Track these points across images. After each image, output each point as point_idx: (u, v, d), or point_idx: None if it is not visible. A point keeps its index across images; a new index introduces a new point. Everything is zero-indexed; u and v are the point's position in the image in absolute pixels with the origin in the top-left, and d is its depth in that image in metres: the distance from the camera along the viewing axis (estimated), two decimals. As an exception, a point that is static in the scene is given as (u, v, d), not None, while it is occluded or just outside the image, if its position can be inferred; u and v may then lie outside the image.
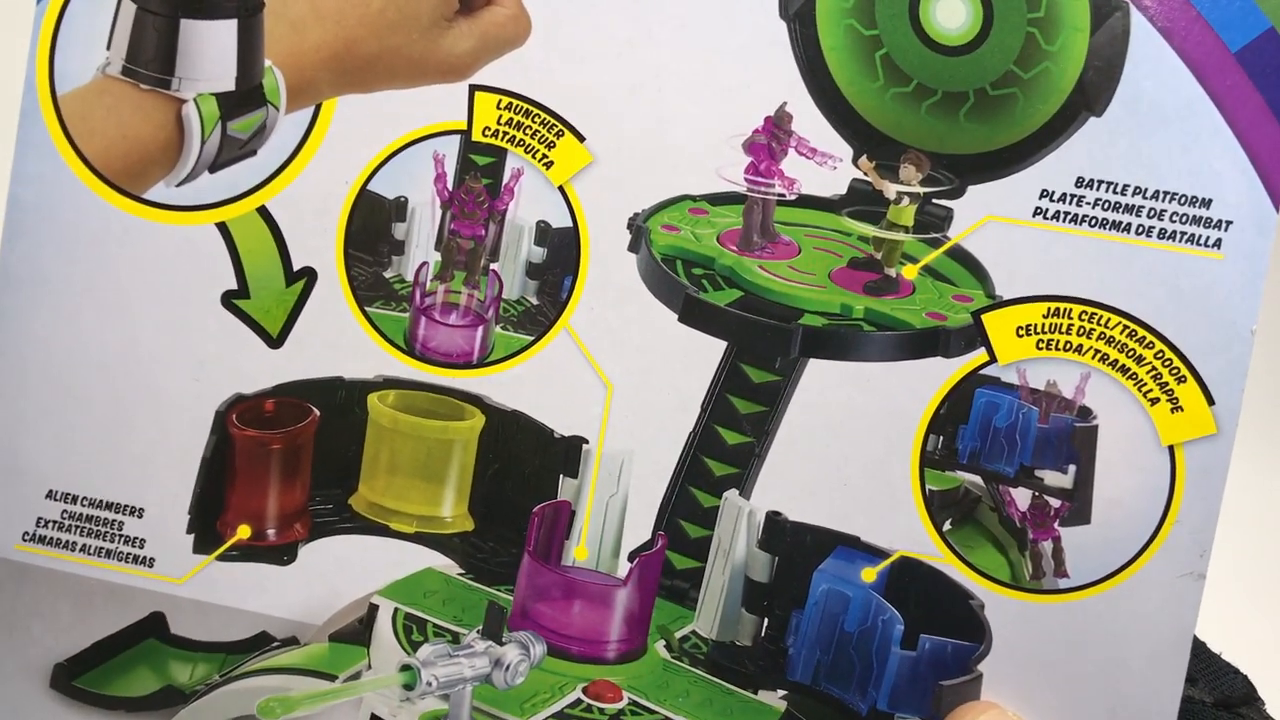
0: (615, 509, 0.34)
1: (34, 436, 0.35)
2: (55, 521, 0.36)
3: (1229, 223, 0.32)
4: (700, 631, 0.35)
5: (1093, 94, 0.33)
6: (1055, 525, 0.33)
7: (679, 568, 0.35)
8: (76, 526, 0.36)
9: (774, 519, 0.34)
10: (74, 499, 0.35)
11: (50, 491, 0.36)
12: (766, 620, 0.34)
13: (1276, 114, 0.32)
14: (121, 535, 0.35)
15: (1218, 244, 0.32)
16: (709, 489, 0.34)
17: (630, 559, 0.34)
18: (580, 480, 0.34)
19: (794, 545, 0.33)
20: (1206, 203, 0.32)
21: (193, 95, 0.34)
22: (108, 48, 0.34)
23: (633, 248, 0.34)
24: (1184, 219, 0.32)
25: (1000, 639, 0.33)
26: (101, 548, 0.35)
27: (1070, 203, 0.33)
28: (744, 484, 0.34)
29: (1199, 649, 0.35)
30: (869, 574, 0.33)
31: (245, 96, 0.34)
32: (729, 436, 0.34)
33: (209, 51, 0.34)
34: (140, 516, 0.35)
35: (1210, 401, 0.32)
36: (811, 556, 0.33)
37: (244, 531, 0.35)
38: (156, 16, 0.34)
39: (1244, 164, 0.32)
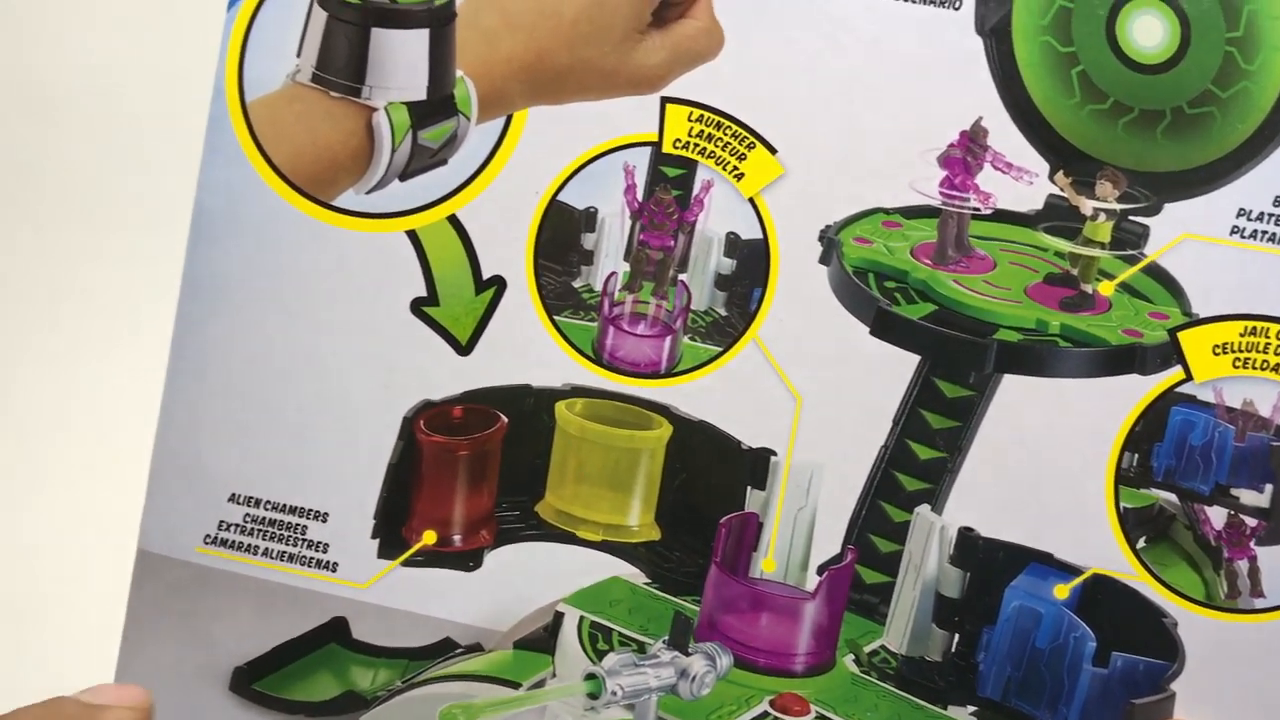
0: (804, 522, 0.37)
1: (217, 440, 0.38)
2: (237, 525, 0.38)
3: None
4: (889, 646, 0.37)
5: (1294, 113, 0.35)
6: (1251, 544, 0.35)
7: (868, 582, 0.37)
8: (259, 530, 0.38)
9: (966, 535, 0.36)
10: (257, 503, 0.38)
11: (233, 495, 0.38)
12: (957, 636, 0.36)
13: None
14: (305, 540, 0.38)
15: None
16: (900, 504, 0.36)
17: (819, 572, 0.37)
18: (768, 492, 0.37)
19: (986, 561, 0.36)
20: None
21: (383, 104, 0.37)
22: (298, 55, 0.37)
23: (824, 260, 0.36)
24: (1387, 238, 0.34)
25: (1194, 658, 0.35)
26: (284, 552, 0.38)
27: (1268, 221, 0.35)
28: (936, 499, 0.36)
29: None
30: (1062, 590, 0.36)
31: (436, 106, 0.37)
32: (921, 451, 0.36)
33: (400, 61, 0.37)
34: (324, 521, 0.38)
35: None
36: (1004, 573, 0.36)
37: (429, 537, 0.38)
38: (348, 25, 0.37)
39: None
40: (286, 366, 0.38)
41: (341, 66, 0.37)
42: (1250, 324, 0.35)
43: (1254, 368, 0.35)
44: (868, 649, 0.37)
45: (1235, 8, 0.35)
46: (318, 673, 0.39)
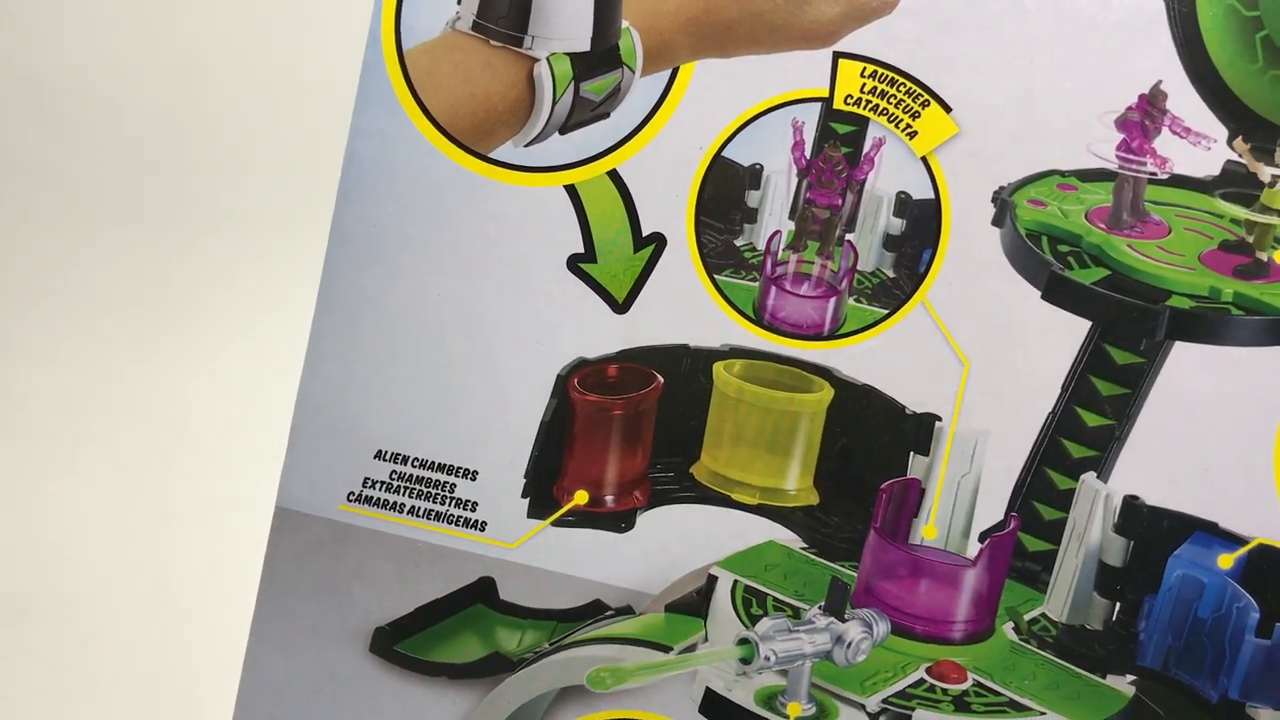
0: (967, 488, 0.40)
1: (364, 395, 0.41)
2: (383, 482, 0.41)
3: None
4: (1050, 614, 0.41)
5: None
6: None
7: (1031, 550, 0.40)
8: (405, 488, 0.41)
9: (1131, 503, 0.39)
10: (404, 459, 0.41)
11: (379, 452, 0.41)
12: (1118, 605, 0.40)
13: None
14: (453, 498, 0.41)
15: None
16: (1066, 471, 0.40)
17: (980, 539, 0.40)
18: (931, 458, 0.40)
19: (1150, 530, 0.39)
20: None
21: (545, 54, 0.39)
22: (458, 2, 0.40)
23: (997, 222, 0.39)
24: None
25: (1362, 629, 0.38)
26: (431, 510, 0.41)
27: None
28: (1102, 467, 0.40)
29: None
30: (1226, 560, 0.39)
31: (600, 58, 0.40)
32: (1089, 418, 0.39)
33: (564, 10, 0.39)
34: (473, 480, 0.41)
35: None
36: (1168, 542, 0.39)
37: (581, 497, 0.41)
38: (512, -31, 0.39)
39: None
40: (438, 321, 0.41)
41: (504, 14, 0.40)
42: None
43: None
44: (1028, 617, 0.41)
45: None
46: (462, 634, 0.42)
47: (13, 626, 0.78)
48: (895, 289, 0.41)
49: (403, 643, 0.42)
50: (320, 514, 0.42)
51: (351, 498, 0.42)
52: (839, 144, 0.41)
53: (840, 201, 0.41)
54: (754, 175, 0.41)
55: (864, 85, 0.40)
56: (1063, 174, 0.40)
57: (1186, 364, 0.40)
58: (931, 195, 0.40)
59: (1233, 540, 0.40)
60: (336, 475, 0.42)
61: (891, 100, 0.40)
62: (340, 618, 0.42)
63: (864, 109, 0.40)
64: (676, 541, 0.42)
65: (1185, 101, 0.39)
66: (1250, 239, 0.40)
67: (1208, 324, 0.40)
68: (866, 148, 0.40)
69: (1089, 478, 0.40)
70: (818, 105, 0.40)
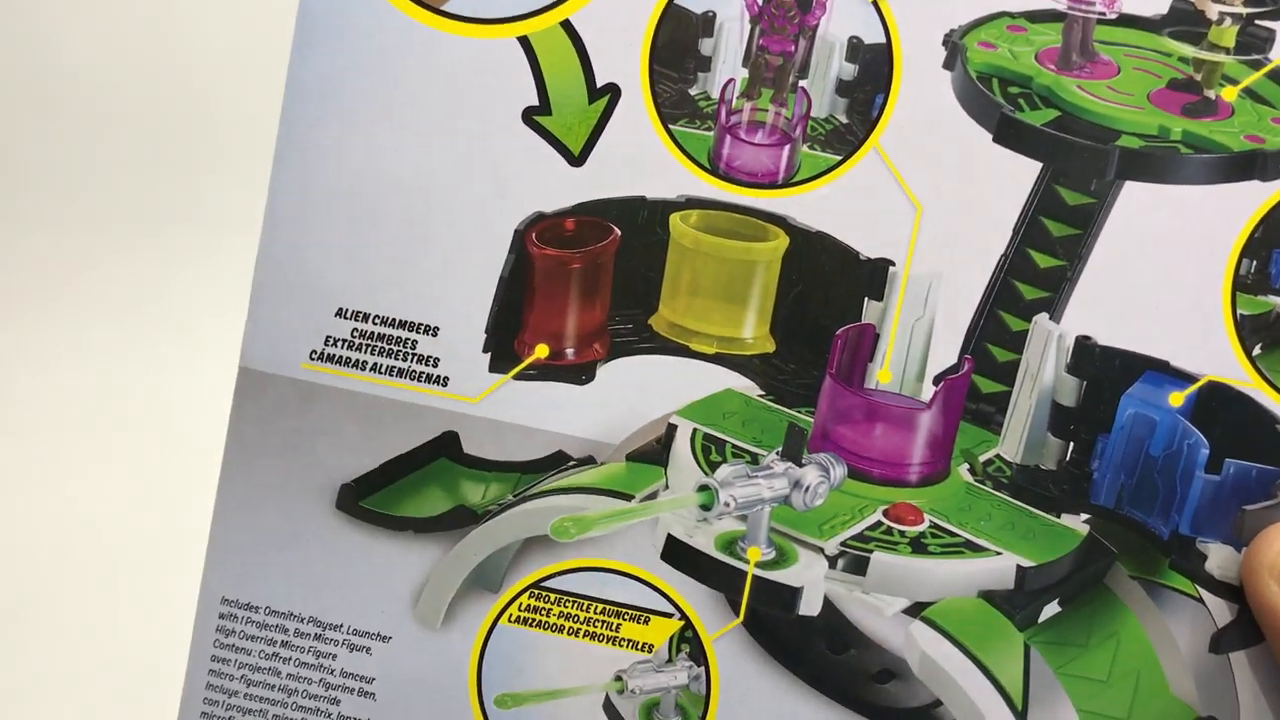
0: (921, 332, 0.41)
1: (323, 253, 0.42)
2: (345, 340, 0.42)
3: None
4: (1005, 455, 0.42)
5: None
6: (1367, 350, 0.39)
7: (985, 392, 0.41)
8: (367, 345, 0.42)
9: (1083, 343, 0.40)
10: (365, 317, 0.42)
11: (340, 309, 0.42)
12: (1072, 445, 0.41)
13: None
14: (415, 354, 0.42)
15: None
16: (1018, 313, 0.40)
17: (935, 383, 0.41)
18: (886, 303, 0.41)
19: (1102, 370, 0.40)
20: None
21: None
22: None
23: (948, 65, 0.40)
24: None
25: (1307, 463, 0.39)
26: (393, 366, 0.42)
27: (1398, 25, 0.38)
28: (1054, 308, 0.40)
29: None
30: (1176, 398, 0.40)
31: (551, -95, 0.40)
32: (1041, 260, 0.40)
33: None
34: (434, 335, 0.42)
35: None
36: (1120, 381, 0.40)
37: (542, 351, 0.42)
38: None
39: None
40: (395, 175, 0.42)
41: None
42: (1376, 130, 0.39)
43: (1378, 173, 0.39)
44: (983, 458, 0.42)
45: None
46: (427, 488, 0.43)
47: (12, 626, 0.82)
48: (848, 135, 0.41)
49: (368, 498, 0.43)
50: (284, 373, 0.43)
51: (314, 356, 0.43)
52: (791, -10, 0.41)
53: (793, 48, 0.41)
54: (707, 22, 0.41)
55: (815, -70, 0.40)
56: (1012, 15, 0.40)
57: (1137, 203, 0.40)
58: (883, 39, 0.40)
59: (1183, 378, 0.41)
60: (299, 333, 0.43)
61: (842, -56, 0.40)
62: (306, 475, 0.43)
63: (815, -46, 0.40)
64: (636, 392, 0.42)
65: (1134, -60, 0.40)
66: (1198, 77, 0.40)
67: (1157, 162, 0.40)
68: (817, -7, 0.41)
69: (1041, 318, 0.41)
70: (769, -49, 0.41)
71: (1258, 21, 0.40)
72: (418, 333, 0.42)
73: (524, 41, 0.41)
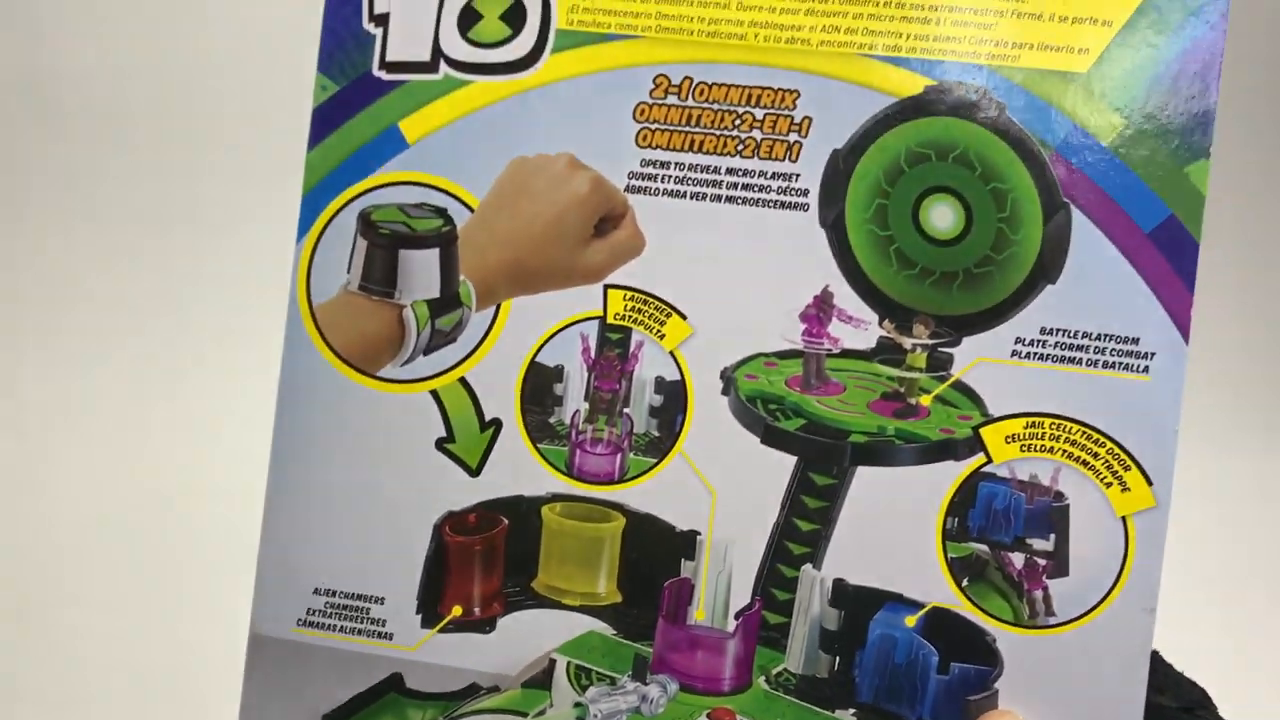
0: (723, 582, 0.57)
1: (304, 547, 0.59)
2: (320, 610, 0.59)
3: (1153, 354, 0.54)
4: (790, 669, 0.57)
5: (1049, 268, 0.55)
6: (1043, 578, 0.55)
7: (772, 623, 0.57)
8: (335, 612, 0.59)
9: (839, 584, 0.56)
10: (333, 593, 0.59)
11: (316, 589, 0.59)
12: (838, 658, 0.56)
13: (1180, 276, 0.54)
14: (369, 617, 0.59)
15: (1145, 370, 0.54)
16: (790, 564, 0.56)
17: (736, 618, 0.56)
18: (697, 562, 0.57)
19: (855, 602, 0.56)
20: (1135, 340, 0.54)
21: (410, 302, 0.58)
22: (348, 271, 0.59)
23: (725, 392, 0.57)
24: (1119, 353, 0.54)
25: (1011, 663, 0.54)
26: (354, 627, 0.59)
27: (1038, 345, 0.55)
28: (816, 560, 0.56)
29: (1165, 667, 0.56)
30: (910, 620, 0.55)
31: (447, 301, 0.59)
32: (803, 525, 0.56)
33: (420, 272, 0.58)
34: (382, 603, 0.59)
35: (1149, 483, 0.54)
36: (868, 610, 0.55)
37: (456, 610, 0.59)
38: (383, 250, 0.59)
39: (1160, 311, 0.54)
40: (353, 493, 0.59)
41: (379, 278, 0.59)
42: (1031, 419, 0.55)
43: (1036, 450, 0.55)
44: (774, 671, 0.57)
45: (1002, 194, 0.55)
46: (383, 715, 0.59)
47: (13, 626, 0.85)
48: (661, 444, 0.58)
49: (342, 725, 0.60)
50: (281, 636, 0.60)
51: (300, 622, 0.60)
52: (614, 347, 0.59)
53: (618, 386, 0.59)
54: (558, 372, 0.59)
55: (626, 305, 0.58)
56: (766, 355, 0.58)
57: (868, 481, 0.57)
58: (679, 377, 0.58)
59: (914, 605, 0.56)
60: (290, 607, 0.60)
61: (646, 314, 0.58)
62: (300, 711, 0.60)
63: (628, 321, 0.58)
64: (526, 637, 0.59)
65: (847, 297, 0.57)
66: (902, 390, 0.57)
67: (879, 452, 0.57)
68: (632, 348, 0.59)
69: (807, 568, 0.57)
70: (597, 321, 0.59)
71: (940, 349, 0.56)
72: (370, 602, 0.60)
73: (434, 393, 0.59)
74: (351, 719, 0.60)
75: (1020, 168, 0.56)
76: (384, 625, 0.60)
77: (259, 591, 0.61)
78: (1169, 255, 0.55)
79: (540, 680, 0.58)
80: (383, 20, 0.60)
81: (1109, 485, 0.55)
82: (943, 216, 0.57)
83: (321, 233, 0.60)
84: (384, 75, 0.60)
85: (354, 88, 0.60)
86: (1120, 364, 0.55)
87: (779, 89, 0.57)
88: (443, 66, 0.60)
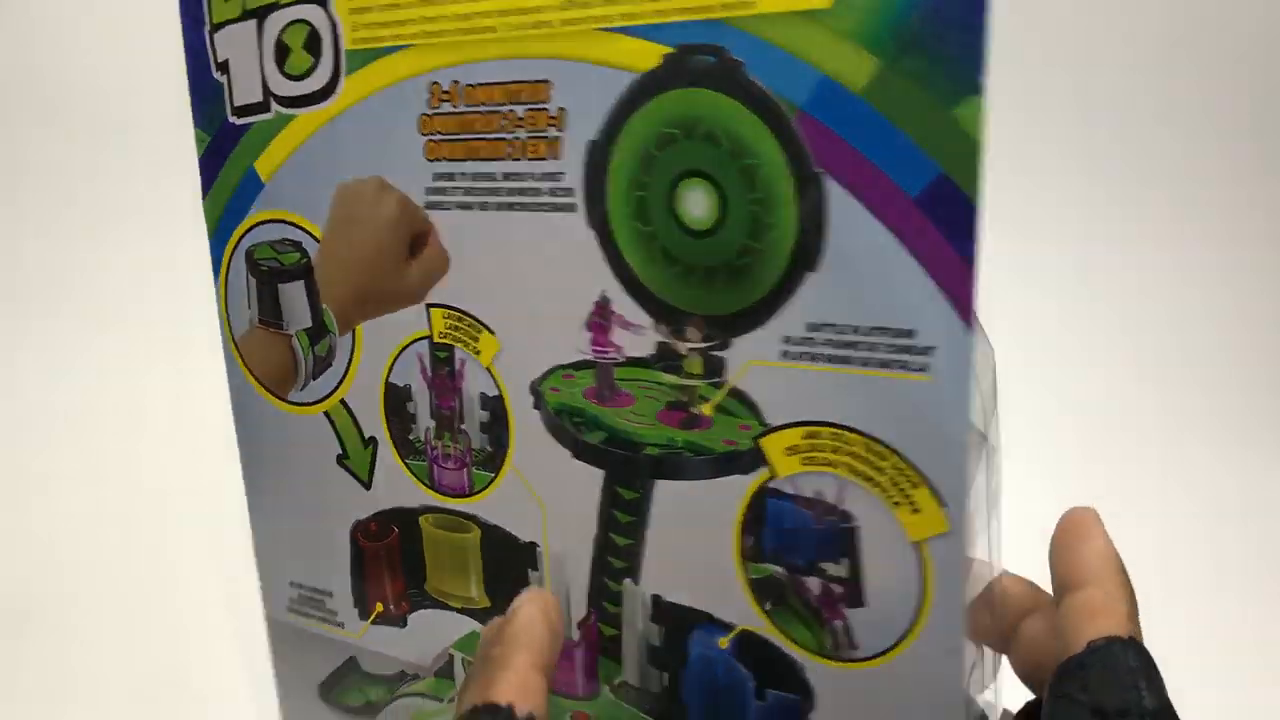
0: (562, 593, 0.57)
1: (275, 545, 0.68)
2: (296, 599, 0.68)
3: (931, 348, 0.45)
4: (629, 680, 0.56)
5: (808, 253, 0.47)
6: (841, 608, 0.49)
7: (608, 634, 0.56)
8: (305, 602, 0.68)
9: (657, 599, 0.54)
10: (301, 586, 0.68)
11: (291, 581, 0.68)
12: (666, 674, 0.54)
13: (955, 247, 0.44)
14: (326, 609, 0.67)
15: (924, 368, 0.45)
16: (613, 578, 0.55)
17: (578, 628, 0.57)
18: (540, 572, 0.57)
19: (673, 619, 0.53)
20: (910, 333, 0.45)
21: (294, 331, 0.62)
22: (249, 307, 0.64)
23: (536, 406, 0.55)
24: (894, 349, 0.46)
25: (823, 694, 0.50)
26: (319, 615, 0.68)
27: (807, 344, 0.48)
28: (634, 574, 0.54)
29: (1125, 665, 0.44)
30: (724, 642, 0.52)
31: (318, 329, 0.62)
32: (619, 540, 0.55)
33: (295, 303, 0.62)
34: (332, 597, 0.66)
35: (941, 504, 0.45)
36: (686, 627, 0.53)
37: (379, 607, 0.64)
38: (266, 285, 0.63)
39: (936, 294, 0.44)
40: (293, 501, 0.67)
41: (269, 310, 0.64)
42: (807, 429, 0.48)
43: (817, 464, 0.48)
44: (616, 682, 0.57)
45: (751, 170, 0.47)
46: (354, 689, 0.68)
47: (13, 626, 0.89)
48: (494, 459, 0.58)
49: (332, 693, 0.69)
50: (281, 620, 0.70)
51: (287, 609, 0.70)
52: (443, 365, 0.59)
53: (454, 403, 0.59)
54: (407, 391, 0.61)
55: (447, 323, 0.58)
56: (564, 367, 0.54)
57: (670, 495, 0.53)
58: (497, 393, 0.57)
59: (724, 626, 0.52)
60: (278, 595, 0.70)
61: (462, 331, 0.57)
62: (300, 681, 0.70)
63: (450, 339, 0.58)
64: (432, 632, 0.63)
65: (623, 303, 0.52)
66: (684, 399, 0.51)
67: (671, 465, 0.52)
68: (456, 365, 0.58)
69: (628, 583, 0.55)
70: (427, 340, 0.59)
71: (713, 353, 0.50)
72: (324, 595, 0.67)
73: (326, 414, 0.64)
74: (333, 691, 0.69)
75: (767, 137, 0.47)
76: (336, 616, 0.67)
77: (261, 580, 0.71)
78: (941, 224, 0.44)
79: (445, 671, 0.63)
80: (225, 68, 0.63)
81: (897, 505, 0.46)
82: (697, 204, 0.49)
83: (227, 273, 0.66)
84: (236, 120, 0.63)
85: (220, 136, 0.64)
86: (896, 362, 0.45)
87: (534, 81, 0.52)
88: (273, 105, 0.61)
